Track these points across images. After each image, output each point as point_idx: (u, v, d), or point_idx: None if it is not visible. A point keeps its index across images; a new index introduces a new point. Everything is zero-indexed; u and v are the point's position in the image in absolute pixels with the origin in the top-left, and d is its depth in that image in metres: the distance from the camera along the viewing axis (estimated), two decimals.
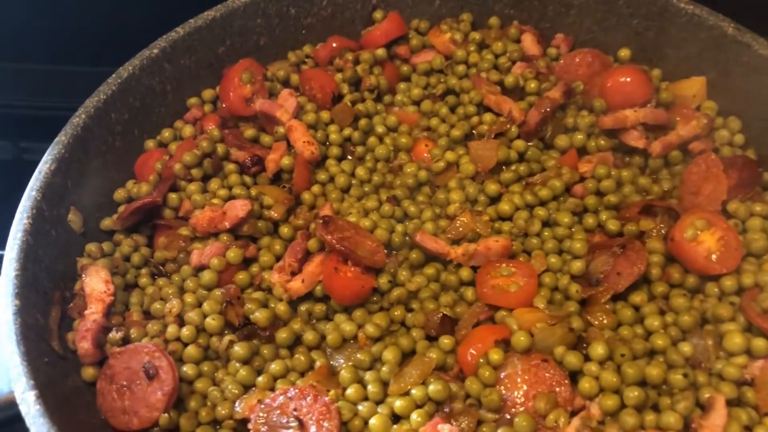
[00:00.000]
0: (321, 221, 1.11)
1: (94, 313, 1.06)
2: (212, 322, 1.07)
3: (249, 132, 1.32)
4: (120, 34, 1.62)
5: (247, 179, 1.26)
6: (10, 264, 1.03)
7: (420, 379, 0.99)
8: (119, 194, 1.25)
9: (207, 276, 1.12)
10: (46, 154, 1.15)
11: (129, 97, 1.27)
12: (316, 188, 1.26)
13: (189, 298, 1.11)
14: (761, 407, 0.97)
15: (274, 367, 1.03)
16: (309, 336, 1.07)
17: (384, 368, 1.01)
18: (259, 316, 1.07)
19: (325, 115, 1.34)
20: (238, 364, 1.05)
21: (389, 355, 1.02)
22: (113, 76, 1.26)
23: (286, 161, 1.26)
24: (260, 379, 1.02)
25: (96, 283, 1.09)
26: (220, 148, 1.27)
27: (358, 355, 1.04)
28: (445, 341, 1.04)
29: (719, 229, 1.10)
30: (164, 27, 1.34)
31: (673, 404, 0.95)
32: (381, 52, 1.41)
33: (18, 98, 1.74)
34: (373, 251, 1.11)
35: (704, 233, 1.10)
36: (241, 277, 1.13)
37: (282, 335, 1.07)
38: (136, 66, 1.28)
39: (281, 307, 1.09)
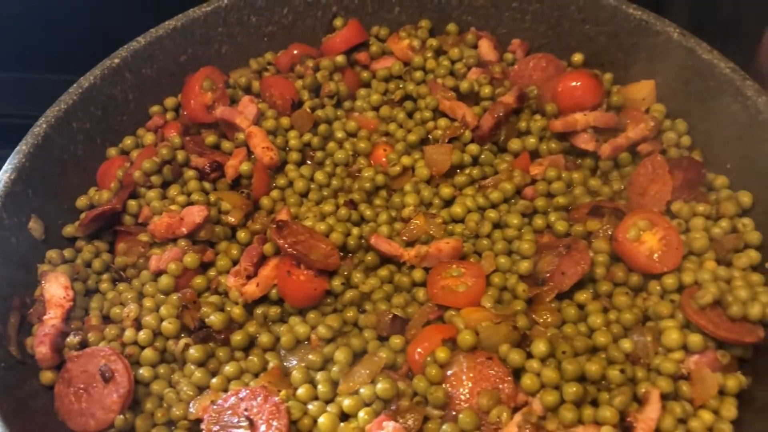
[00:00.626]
0: (275, 226, 1.14)
1: (52, 318, 1.09)
2: (168, 326, 1.10)
3: (210, 138, 1.35)
4: (81, 42, 1.63)
5: (207, 185, 1.29)
6: None
7: (369, 379, 1.02)
8: (81, 201, 1.27)
9: (164, 281, 1.14)
10: (6, 164, 1.17)
11: (90, 106, 1.30)
12: (275, 193, 1.29)
13: (147, 303, 1.14)
14: (696, 400, 1.00)
15: (229, 368, 1.06)
16: (264, 338, 1.10)
17: (335, 368, 1.04)
18: (215, 319, 1.10)
19: (285, 121, 1.36)
20: (193, 367, 1.07)
21: (340, 355, 1.05)
22: (74, 85, 1.28)
23: (245, 167, 1.29)
24: (214, 380, 1.05)
25: (55, 288, 1.12)
26: (180, 155, 1.30)
27: (310, 356, 1.07)
28: (396, 341, 1.07)
29: (661, 228, 1.13)
30: (126, 35, 1.36)
31: (611, 399, 0.98)
32: (341, 58, 1.44)
33: None
34: (326, 254, 1.13)
35: (647, 233, 1.13)
36: (198, 281, 1.16)
37: (237, 338, 1.10)
38: (97, 76, 1.30)
39: (236, 311, 1.12)
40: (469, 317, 1.07)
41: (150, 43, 1.36)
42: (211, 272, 1.19)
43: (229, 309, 1.13)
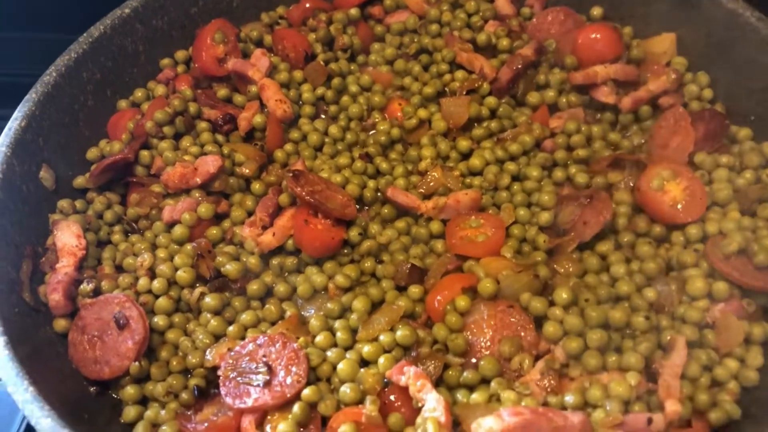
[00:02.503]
0: (291, 174, 1.11)
1: (65, 266, 1.07)
2: (184, 275, 1.08)
3: (222, 92, 1.32)
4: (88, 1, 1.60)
5: (220, 137, 1.26)
6: None
7: (388, 326, 1.01)
8: (92, 153, 1.25)
9: (179, 231, 1.12)
10: (16, 111, 1.15)
11: (100, 56, 1.27)
12: (288, 146, 1.26)
13: (161, 253, 1.12)
14: (721, 348, 0.99)
15: (245, 317, 1.05)
16: (280, 288, 1.08)
17: (353, 316, 1.03)
18: (230, 268, 1.08)
19: (298, 75, 1.34)
20: (209, 315, 1.06)
21: (359, 304, 1.04)
22: (84, 35, 1.25)
23: (258, 119, 1.26)
24: (231, 328, 1.03)
25: (67, 237, 1.10)
26: (192, 107, 1.27)
27: (328, 305, 1.05)
28: (414, 290, 1.06)
29: (684, 179, 1.11)
30: None
31: (635, 346, 0.97)
32: (354, 12, 1.41)
33: None
34: (343, 204, 1.11)
35: (670, 183, 1.11)
36: (213, 232, 1.14)
37: (253, 287, 1.08)
38: (107, 25, 1.27)
39: (252, 260, 1.10)
40: (490, 266, 1.05)
41: None
42: (226, 223, 1.17)
43: (244, 259, 1.11)
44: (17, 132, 1.12)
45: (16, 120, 1.14)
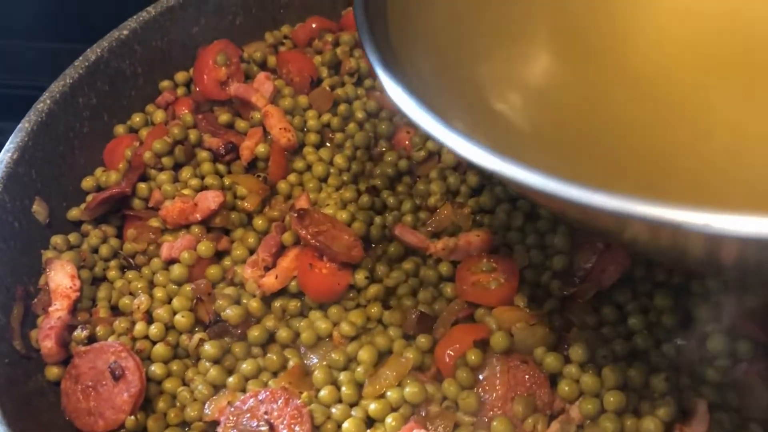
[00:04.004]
0: (296, 215, 1.07)
1: (58, 309, 1.02)
2: (182, 320, 1.03)
3: (223, 117, 1.27)
4: (87, 9, 1.56)
5: (221, 168, 1.21)
6: None
7: (396, 381, 0.96)
8: (87, 183, 1.20)
9: (177, 270, 1.08)
10: (8, 143, 1.10)
11: (97, 80, 1.22)
12: (292, 177, 1.22)
13: (159, 293, 1.07)
14: (744, 411, 0.95)
15: (246, 366, 1.00)
16: (283, 334, 1.04)
17: (359, 369, 0.98)
18: (231, 313, 1.04)
19: (302, 100, 1.29)
20: (208, 364, 1.01)
21: (365, 355, 0.99)
22: (80, 58, 1.20)
23: (261, 149, 1.21)
24: (231, 379, 0.99)
25: (61, 278, 1.05)
26: (193, 135, 1.22)
27: (333, 355, 1.01)
28: (422, 340, 1.01)
29: None
30: (135, 3, 1.28)
31: (654, 409, 0.92)
32: None
33: None
34: (349, 246, 1.07)
35: None
36: (213, 271, 1.09)
37: (254, 333, 1.03)
38: (104, 48, 1.22)
39: (254, 304, 1.06)
40: (502, 317, 1.00)
41: (161, 13, 1.28)
42: (226, 261, 1.12)
43: (245, 302, 1.07)
44: (9, 165, 1.07)
45: (7, 152, 1.09)
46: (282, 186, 1.20)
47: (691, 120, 0.87)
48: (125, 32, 1.24)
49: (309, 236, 1.04)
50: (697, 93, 0.88)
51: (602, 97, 0.90)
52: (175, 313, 1.05)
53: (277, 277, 1.06)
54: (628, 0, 0.97)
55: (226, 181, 1.18)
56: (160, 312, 1.04)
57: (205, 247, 1.10)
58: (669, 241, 0.68)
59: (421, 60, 0.84)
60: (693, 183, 0.79)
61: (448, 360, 0.97)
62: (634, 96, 0.90)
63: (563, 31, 0.96)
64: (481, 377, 0.96)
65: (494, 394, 0.95)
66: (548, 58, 0.96)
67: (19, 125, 1.12)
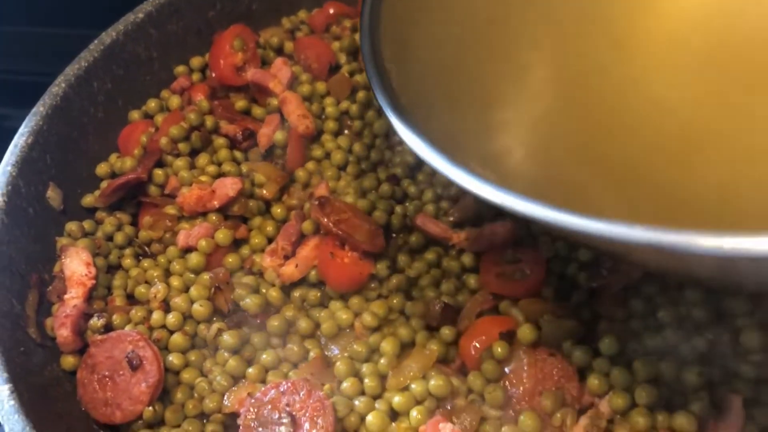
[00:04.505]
0: (317, 202, 1.04)
1: (74, 297, 1.00)
2: (200, 309, 1.01)
3: (240, 103, 1.25)
4: None
5: (238, 154, 1.19)
6: None
7: (420, 373, 0.94)
8: (102, 169, 1.18)
9: (195, 259, 1.05)
10: (22, 126, 1.07)
11: (112, 64, 1.20)
12: (310, 165, 1.19)
13: (175, 282, 1.05)
14: None
15: (265, 357, 0.98)
16: (303, 324, 1.02)
17: (382, 360, 0.96)
18: (250, 302, 1.01)
19: (320, 87, 1.26)
20: (227, 354, 0.99)
21: (387, 346, 0.97)
22: (95, 42, 1.18)
23: (279, 136, 1.19)
24: (250, 370, 0.97)
25: (76, 265, 1.03)
26: (209, 121, 1.20)
27: (355, 346, 0.98)
28: (446, 332, 0.99)
29: None
30: None
31: (688, 404, 0.90)
32: None
33: None
34: (371, 235, 1.04)
35: None
36: (231, 260, 1.07)
37: (274, 323, 1.01)
38: (119, 31, 1.20)
39: (273, 293, 1.03)
40: (529, 309, 0.98)
41: None
42: (244, 250, 1.10)
43: (264, 291, 1.04)
44: (23, 149, 1.05)
45: (22, 136, 1.06)
46: (300, 174, 1.17)
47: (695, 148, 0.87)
48: (140, 15, 1.22)
49: (331, 224, 1.01)
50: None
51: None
52: (192, 302, 1.02)
53: (297, 266, 1.04)
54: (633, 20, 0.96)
55: (244, 168, 1.16)
56: (178, 301, 1.02)
57: (223, 235, 1.07)
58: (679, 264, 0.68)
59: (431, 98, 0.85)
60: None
61: (473, 352, 0.95)
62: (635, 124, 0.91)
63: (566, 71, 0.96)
64: (507, 370, 0.94)
65: (521, 388, 0.92)
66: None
67: (34, 109, 1.09)
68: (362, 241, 1.02)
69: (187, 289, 1.04)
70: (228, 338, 0.99)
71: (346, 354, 0.99)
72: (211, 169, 1.14)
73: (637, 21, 0.97)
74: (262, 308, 1.02)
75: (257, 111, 1.25)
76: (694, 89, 0.95)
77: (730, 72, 0.94)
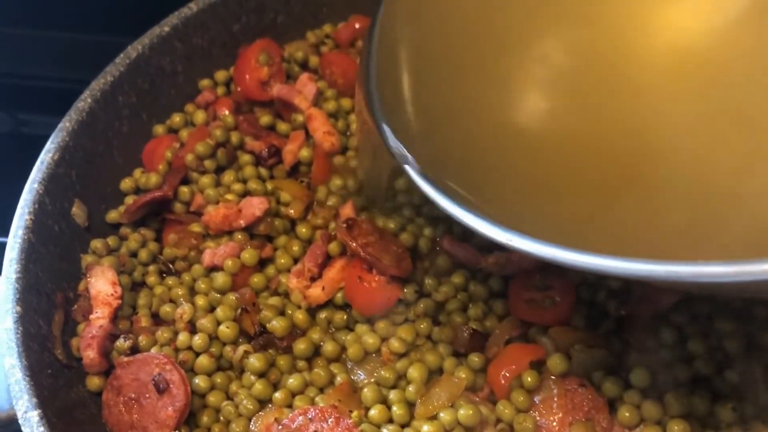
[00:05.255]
0: (344, 225, 1.03)
1: (100, 318, 0.99)
2: (226, 331, 1.00)
3: (265, 118, 1.24)
4: (124, 1, 1.52)
5: (263, 171, 1.18)
6: (10, 265, 0.95)
7: (449, 402, 0.93)
8: (126, 184, 1.17)
9: (221, 279, 1.04)
10: (48, 143, 1.06)
11: (137, 78, 1.19)
12: (336, 181, 1.18)
13: (200, 301, 1.04)
14: None
15: (292, 381, 0.97)
16: (329, 347, 1.01)
17: (410, 387, 0.95)
18: (277, 325, 1.01)
19: (346, 103, 1.25)
20: (253, 377, 0.98)
21: (415, 373, 0.96)
22: (121, 56, 1.17)
23: (304, 153, 1.18)
24: (277, 395, 0.96)
25: (102, 284, 1.02)
26: (235, 137, 1.19)
27: (382, 372, 0.97)
28: (475, 359, 0.98)
29: None
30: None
31: None
32: None
33: (16, 67, 1.65)
34: (399, 258, 1.03)
35: None
36: (256, 280, 1.06)
37: (300, 346, 1.00)
38: (145, 45, 1.19)
39: (300, 316, 1.02)
40: (560, 338, 0.97)
41: (203, 9, 1.24)
42: (270, 269, 1.09)
43: (290, 313, 1.03)
44: (50, 166, 1.04)
45: (48, 152, 1.05)
46: (325, 191, 1.16)
47: None
48: (166, 29, 1.21)
49: (359, 248, 1.00)
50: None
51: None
52: (218, 323, 1.01)
53: (323, 289, 1.03)
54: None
55: (269, 186, 1.15)
56: (204, 322, 1.01)
57: (249, 255, 1.06)
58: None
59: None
60: None
61: (503, 381, 0.94)
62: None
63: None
64: (536, 400, 0.93)
65: (552, 418, 0.91)
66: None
67: (60, 124, 1.08)
68: (390, 265, 1.01)
69: (212, 309, 1.03)
70: (255, 361, 0.98)
71: (373, 379, 0.98)
72: (237, 186, 1.13)
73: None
74: (289, 330, 1.01)
75: (282, 126, 1.24)
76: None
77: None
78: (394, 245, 1.05)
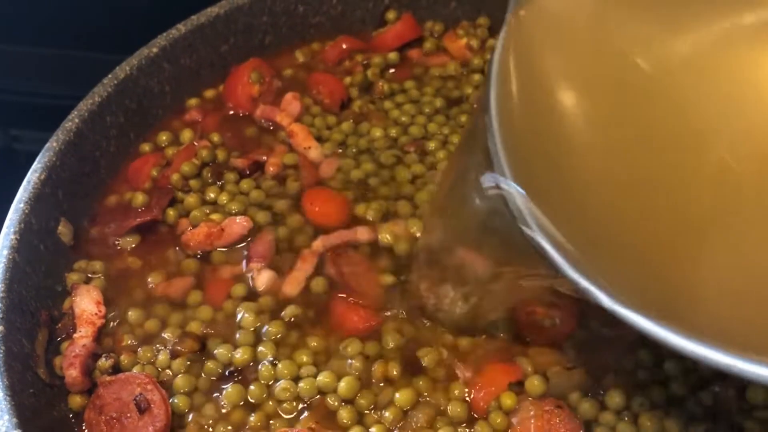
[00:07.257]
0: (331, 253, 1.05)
1: (83, 337, 1.00)
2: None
3: (250, 130, 1.25)
4: (116, 19, 1.54)
5: (248, 183, 1.18)
6: None
7: (427, 425, 0.94)
8: (111, 202, 1.18)
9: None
10: (35, 162, 1.08)
11: (125, 98, 1.20)
12: None
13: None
14: None
15: (270, 404, 0.98)
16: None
17: (386, 414, 0.95)
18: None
19: (331, 120, 1.27)
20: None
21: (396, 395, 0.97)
22: (109, 76, 1.18)
23: (288, 158, 1.20)
24: (252, 417, 0.96)
25: (87, 303, 1.03)
26: (221, 154, 1.20)
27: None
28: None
29: None
30: (165, 17, 1.26)
31: None
32: (393, 55, 1.35)
33: (8, 83, 1.66)
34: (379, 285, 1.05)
35: None
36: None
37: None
38: (133, 66, 1.20)
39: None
40: (538, 360, 0.98)
41: (191, 31, 1.26)
42: None
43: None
44: (36, 186, 1.05)
45: (35, 172, 1.07)
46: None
47: None
48: (155, 50, 1.22)
49: (341, 273, 1.02)
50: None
51: None
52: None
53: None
54: None
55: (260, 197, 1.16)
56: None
57: None
58: None
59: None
60: None
61: (482, 403, 0.95)
62: None
63: None
64: (514, 421, 0.94)
65: None
66: None
67: (47, 144, 1.10)
68: (371, 291, 1.03)
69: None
70: (231, 391, 0.98)
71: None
72: (223, 203, 1.14)
73: None
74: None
75: (266, 138, 1.25)
76: None
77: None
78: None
